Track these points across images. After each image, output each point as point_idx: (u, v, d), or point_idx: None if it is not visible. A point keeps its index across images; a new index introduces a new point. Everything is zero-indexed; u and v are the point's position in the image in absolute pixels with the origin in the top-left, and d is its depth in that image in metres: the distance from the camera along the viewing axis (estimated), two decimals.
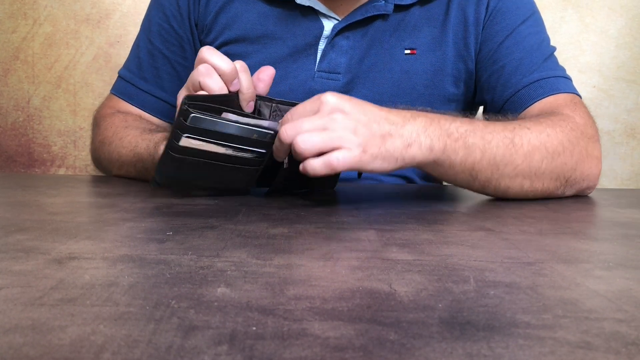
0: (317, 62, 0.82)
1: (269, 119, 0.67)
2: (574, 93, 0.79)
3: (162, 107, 0.89)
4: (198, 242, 0.42)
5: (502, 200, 0.68)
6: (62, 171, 1.27)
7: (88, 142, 1.26)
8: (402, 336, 0.25)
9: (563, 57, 1.24)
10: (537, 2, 1.23)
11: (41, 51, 1.24)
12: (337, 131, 0.56)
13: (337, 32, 0.81)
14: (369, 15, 0.80)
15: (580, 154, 0.69)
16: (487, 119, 0.67)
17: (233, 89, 0.65)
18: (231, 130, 0.59)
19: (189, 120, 0.56)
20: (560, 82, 0.79)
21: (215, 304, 0.28)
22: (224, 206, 0.59)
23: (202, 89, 0.64)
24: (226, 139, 0.59)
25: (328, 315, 0.27)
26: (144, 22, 0.92)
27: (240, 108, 0.66)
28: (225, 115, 0.60)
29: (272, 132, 0.61)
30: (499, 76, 0.81)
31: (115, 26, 1.23)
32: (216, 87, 0.64)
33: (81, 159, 1.27)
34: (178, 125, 0.57)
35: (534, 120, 0.68)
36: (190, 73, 0.87)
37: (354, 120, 0.56)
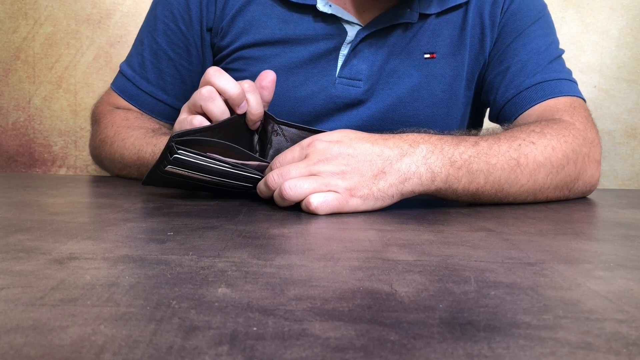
0: (339, 68, 0.81)
1: (268, 142, 0.67)
2: (576, 96, 0.79)
3: (163, 110, 0.88)
4: (199, 243, 0.42)
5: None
6: (62, 171, 1.27)
7: (89, 142, 1.26)
8: (403, 336, 0.25)
9: (564, 57, 1.23)
10: None
11: (42, 51, 1.24)
12: (324, 177, 0.56)
13: (362, 39, 0.80)
14: (394, 23, 0.80)
15: (583, 162, 0.70)
16: (490, 133, 0.66)
17: (240, 111, 0.64)
18: (215, 171, 0.59)
19: (172, 158, 0.56)
20: (563, 84, 0.79)
21: (216, 304, 0.28)
22: (224, 206, 0.59)
23: (204, 112, 0.63)
24: (211, 175, 0.59)
25: (329, 315, 0.27)
26: (148, 17, 0.89)
27: (244, 128, 0.66)
28: (212, 155, 0.59)
29: (258, 176, 0.61)
30: (503, 77, 0.82)
31: (116, 26, 1.23)
32: (218, 111, 0.63)
33: (82, 159, 1.27)
34: (164, 156, 0.57)
35: (538, 131, 0.67)
36: (194, 77, 0.87)
37: (343, 165, 0.56)
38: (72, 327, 0.25)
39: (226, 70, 0.83)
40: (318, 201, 0.55)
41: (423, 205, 0.63)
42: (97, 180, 0.80)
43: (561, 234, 0.49)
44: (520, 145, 0.64)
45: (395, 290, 0.31)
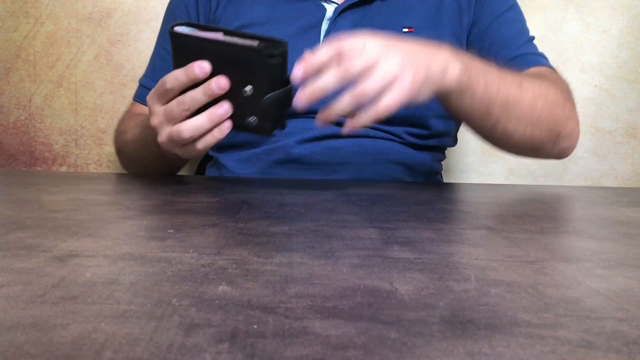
0: (321, 40, 0.87)
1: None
2: (552, 68, 0.88)
3: None
4: (199, 240, 0.42)
5: (503, 198, 0.68)
6: (63, 170, 1.27)
7: (90, 140, 1.26)
8: (403, 335, 0.25)
9: (564, 56, 1.23)
10: (539, 2, 1.23)
11: (43, 50, 1.24)
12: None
13: (339, 13, 0.86)
14: None
15: (569, 111, 0.78)
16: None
17: (200, 73, 0.63)
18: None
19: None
20: (543, 59, 0.88)
21: (217, 302, 0.28)
22: (225, 204, 0.59)
23: (170, 86, 0.64)
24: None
25: (329, 313, 0.27)
26: (160, 29, 0.98)
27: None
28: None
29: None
30: (488, 52, 0.88)
31: (117, 25, 1.23)
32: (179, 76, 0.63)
33: (82, 158, 1.27)
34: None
35: (531, 75, 0.75)
36: None
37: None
38: (73, 325, 0.25)
39: None
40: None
41: (424, 203, 0.63)
42: (97, 178, 0.80)
43: (561, 232, 0.49)
44: (521, 77, 0.73)
45: (396, 288, 0.31)
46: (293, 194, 0.67)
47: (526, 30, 0.91)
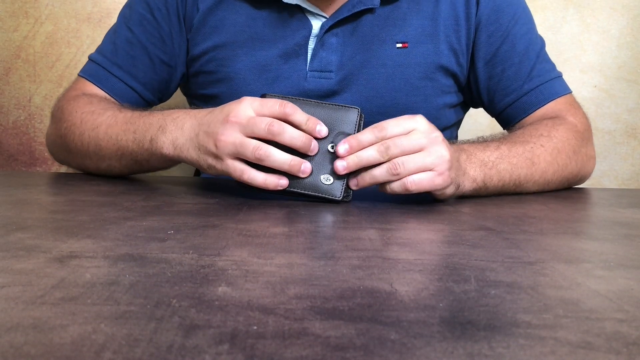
0: (309, 61, 0.82)
1: None
2: (568, 93, 0.86)
3: (131, 96, 0.86)
4: (199, 241, 0.42)
5: (503, 199, 0.68)
6: (63, 170, 1.27)
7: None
8: (403, 336, 0.25)
9: (564, 57, 1.23)
10: (539, 2, 1.23)
11: (42, 50, 1.24)
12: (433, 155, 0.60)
13: (326, 30, 0.81)
14: (356, 10, 0.80)
15: (582, 160, 0.81)
16: (503, 137, 0.76)
17: (318, 134, 0.62)
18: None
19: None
20: (556, 84, 0.86)
21: (217, 303, 0.28)
22: (225, 205, 0.59)
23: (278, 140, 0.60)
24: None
25: (329, 314, 0.27)
26: (123, 11, 0.88)
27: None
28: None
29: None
30: (499, 80, 0.85)
31: None
32: (298, 136, 0.60)
33: None
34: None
35: (546, 135, 0.77)
36: (164, 69, 0.86)
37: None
38: (73, 326, 0.25)
39: (201, 73, 0.85)
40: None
41: (423, 204, 0.63)
42: (97, 179, 0.80)
43: (561, 233, 0.49)
44: (532, 148, 0.74)
45: (396, 289, 0.31)
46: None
47: (536, 41, 0.86)
